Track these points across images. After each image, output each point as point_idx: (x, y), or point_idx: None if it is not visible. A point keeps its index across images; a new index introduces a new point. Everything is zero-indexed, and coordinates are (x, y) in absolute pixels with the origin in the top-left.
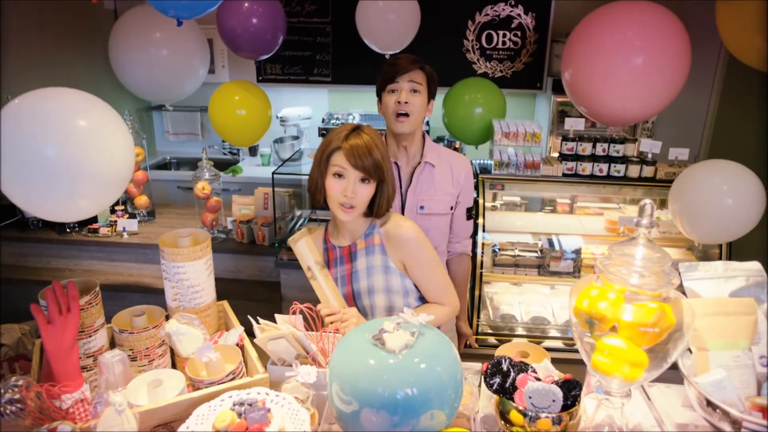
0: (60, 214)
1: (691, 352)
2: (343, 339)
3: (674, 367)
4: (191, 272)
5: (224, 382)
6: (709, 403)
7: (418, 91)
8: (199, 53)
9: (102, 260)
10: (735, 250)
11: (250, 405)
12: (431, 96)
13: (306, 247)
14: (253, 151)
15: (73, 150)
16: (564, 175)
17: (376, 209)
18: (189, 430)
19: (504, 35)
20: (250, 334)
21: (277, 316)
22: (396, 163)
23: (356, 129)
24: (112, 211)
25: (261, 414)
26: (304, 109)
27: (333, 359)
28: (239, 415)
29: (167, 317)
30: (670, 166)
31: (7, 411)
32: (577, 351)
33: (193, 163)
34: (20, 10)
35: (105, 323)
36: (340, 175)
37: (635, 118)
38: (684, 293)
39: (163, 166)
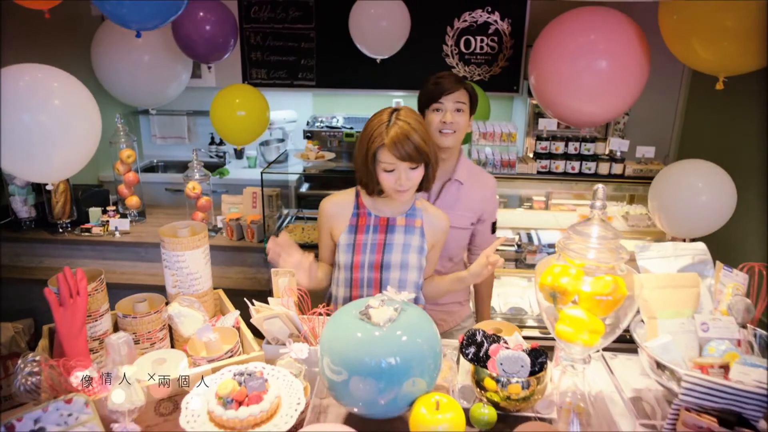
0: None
1: (643, 322)
2: (333, 316)
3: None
4: (190, 260)
5: (223, 359)
6: (659, 365)
7: (462, 110)
8: (182, 58)
9: (95, 259)
10: (735, 253)
11: (250, 375)
12: (472, 112)
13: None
14: (239, 153)
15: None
16: (538, 172)
17: (425, 185)
18: (192, 399)
19: (482, 40)
20: (245, 320)
21: (270, 299)
22: None
23: (392, 116)
24: (104, 211)
25: (259, 383)
26: (289, 112)
27: (323, 335)
28: (240, 383)
29: (167, 304)
30: (637, 164)
31: (28, 383)
32: (552, 339)
33: (179, 166)
34: (9, 16)
35: (109, 309)
36: (390, 170)
37: (599, 120)
38: (638, 271)
39: (151, 169)
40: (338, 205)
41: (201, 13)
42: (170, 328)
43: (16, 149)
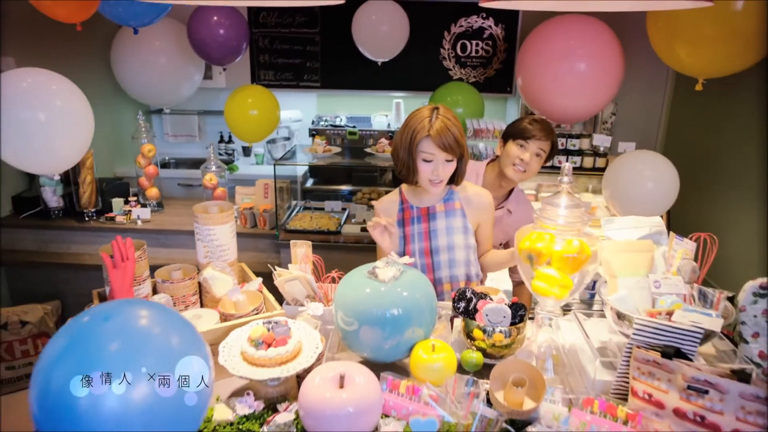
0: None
1: (606, 282)
2: (345, 277)
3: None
4: (219, 233)
5: (250, 315)
6: (619, 316)
7: (540, 156)
8: (195, 60)
9: None
10: (734, 258)
11: (276, 323)
12: (549, 159)
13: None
14: (246, 151)
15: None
16: None
17: (457, 179)
18: (227, 343)
19: (477, 44)
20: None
21: (290, 265)
22: None
23: (434, 112)
24: (126, 201)
25: (285, 329)
26: (295, 112)
27: (337, 292)
28: (268, 329)
29: (198, 272)
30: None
31: None
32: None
33: (189, 163)
34: (29, 18)
35: (149, 276)
36: (429, 160)
37: (581, 116)
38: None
39: (164, 165)
40: (387, 203)
41: (215, 18)
42: (200, 294)
43: (20, 144)
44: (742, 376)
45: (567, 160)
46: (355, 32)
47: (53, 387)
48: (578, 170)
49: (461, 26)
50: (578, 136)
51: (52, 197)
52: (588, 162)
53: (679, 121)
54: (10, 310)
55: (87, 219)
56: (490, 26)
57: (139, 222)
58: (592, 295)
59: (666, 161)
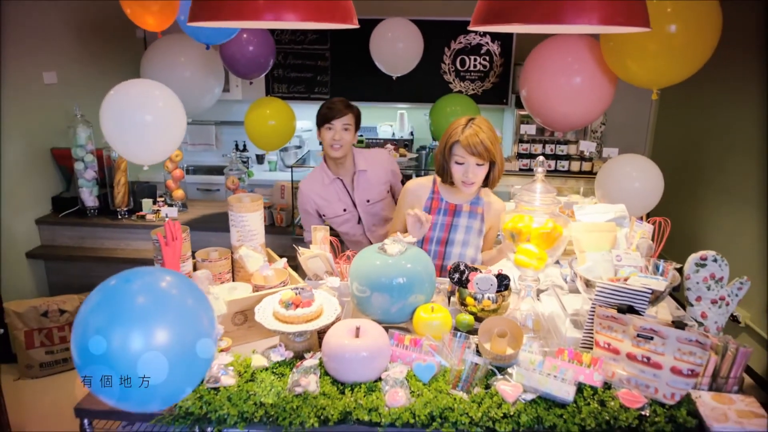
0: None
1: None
2: (359, 253)
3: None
4: (251, 220)
5: (277, 287)
6: (587, 284)
7: (348, 129)
8: (216, 74)
9: (148, 241)
10: (733, 256)
11: (303, 289)
12: (357, 129)
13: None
14: (260, 159)
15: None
16: (520, 169)
17: (490, 182)
18: (261, 306)
19: (475, 60)
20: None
21: (311, 245)
22: (339, 178)
23: (469, 122)
24: (154, 202)
25: (309, 294)
26: (305, 122)
27: (352, 266)
28: (296, 294)
29: (231, 254)
30: (603, 162)
31: None
32: None
33: (206, 170)
34: (66, 36)
35: (191, 256)
36: (461, 163)
37: (579, 124)
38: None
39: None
40: (418, 187)
41: (245, 36)
42: (233, 272)
43: (131, 139)
44: (678, 325)
45: (556, 164)
46: (372, 49)
47: (89, 335)
48: (566, 174)
49: (461, 43)
50: (566, 142)
51: (89, 197)
52: (575, 166)
53: (664, 129)
54: (50, 299)
55: (120, 217)
56: (487, 43)
57: (167, 220)
58: None
59: (652, 164)
